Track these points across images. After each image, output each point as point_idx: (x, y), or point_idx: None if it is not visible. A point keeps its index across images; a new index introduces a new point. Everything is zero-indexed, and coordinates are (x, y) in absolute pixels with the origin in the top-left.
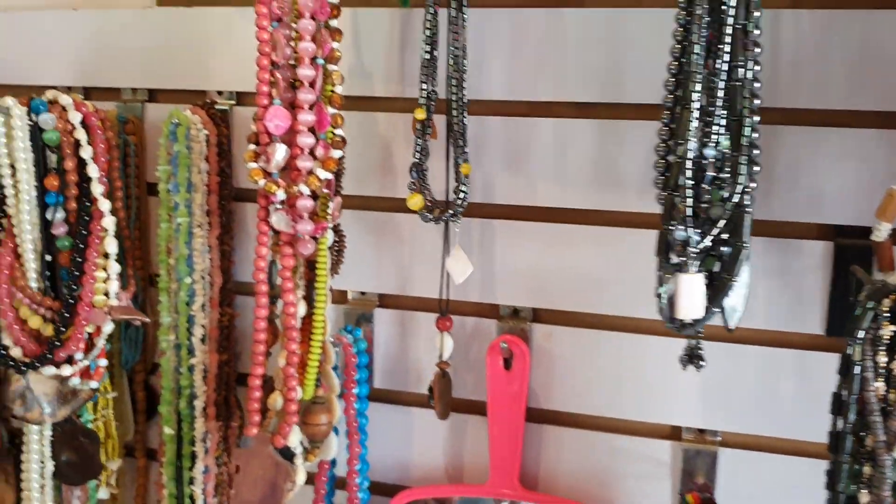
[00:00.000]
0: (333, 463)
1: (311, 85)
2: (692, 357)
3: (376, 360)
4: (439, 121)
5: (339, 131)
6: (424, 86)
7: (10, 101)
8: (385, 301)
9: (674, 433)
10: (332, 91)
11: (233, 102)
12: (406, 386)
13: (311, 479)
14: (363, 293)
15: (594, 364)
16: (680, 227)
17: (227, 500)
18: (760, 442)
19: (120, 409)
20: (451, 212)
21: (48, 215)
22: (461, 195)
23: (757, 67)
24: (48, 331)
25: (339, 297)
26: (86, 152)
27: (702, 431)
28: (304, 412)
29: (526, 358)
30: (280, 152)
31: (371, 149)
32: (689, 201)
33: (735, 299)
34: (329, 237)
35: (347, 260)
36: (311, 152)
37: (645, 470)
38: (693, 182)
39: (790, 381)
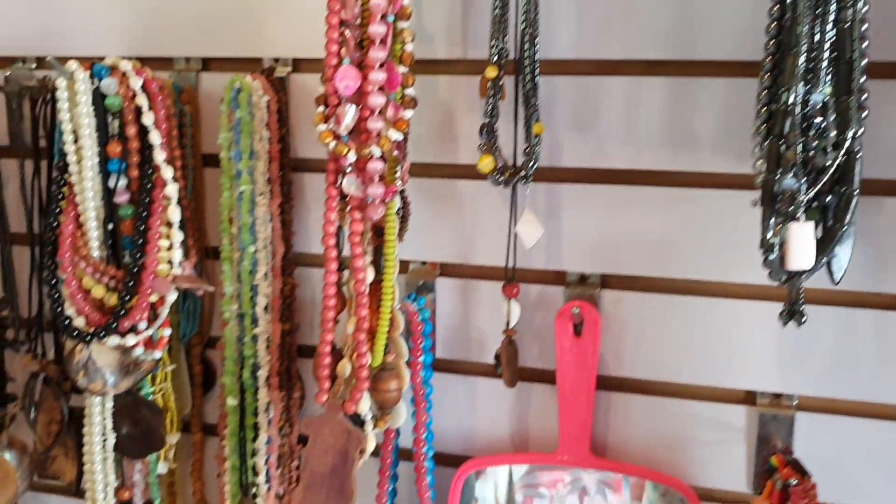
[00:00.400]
0: (397, 433)
1: (382, 42)
2: (793, 313)
3: (438, 329)
4: (506, 82)
5: (409, 91)
6: (495, 42)
7: (73, 64)
8: (446, 270)
9: (748, 398)
10: (403, 49)
11: (289, 69)
12: (469, 355)
13: (375, 450)
14: (424, 262)
15: (665, 329)
16: (788, 175)
17: (288, 472)
18: (839, 406)
19: (178, 382)
20: (523, 173)
21: (110, 183)
22: (533, 156)
23: (865, 8)
24: (112, 300)
25: (401, 266)
26: (147, 119)
27: (777, 396)
28: (373, 379)
29: (597, 324)
30: (350, 114)
31: (431, 114)
32: (799, 148)
33: (844, 251)
34: (396, 202)
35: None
36: (381, 113)
37: (718, 436)
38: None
39: (870, 343)
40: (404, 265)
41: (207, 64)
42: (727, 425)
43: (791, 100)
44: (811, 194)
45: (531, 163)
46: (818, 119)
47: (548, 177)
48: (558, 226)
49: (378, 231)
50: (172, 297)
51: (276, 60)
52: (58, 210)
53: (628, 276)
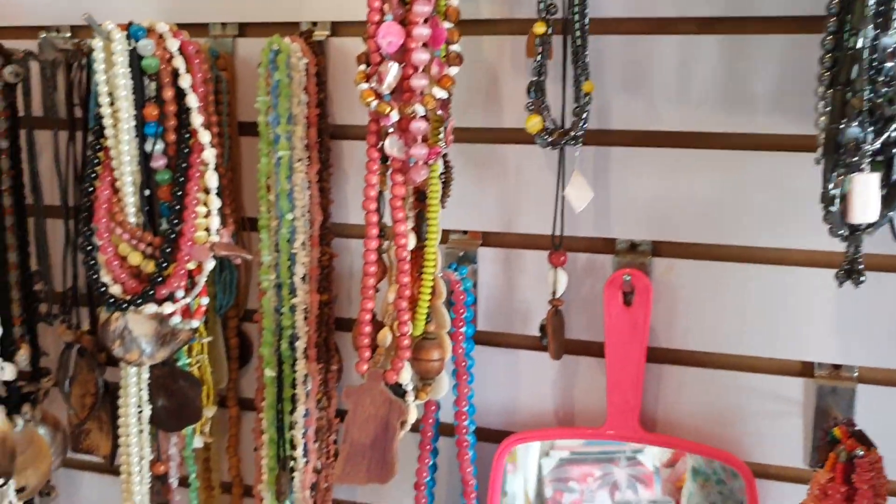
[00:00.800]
0: (438, 407)
1: None
2: (851, 272)
3: (480, 301)
4: (554, 43)
5: (455, 47)
6: None
7: (110, 24)
8: (489, 239)
9: (805, 369)
10: (447, 4)
11: (328, 33)
12: (512, 328)
13: (415, 425)
14: (465, 232)
15: (719, 298)
16: (853, 124)
17: (326, 446)
18: None
19: (214, 355)
20: (572, 133)
21: (146, 147)
22: (583, 115)
23: None
24: (149, 268)
25: (442, 236)
26: (184, 81)
27: (837, 367)
28: (414, 349)
29: (648, 292)
30: (393, 71)
31: (474, 76)
32: (866, 96)
33: None
34: (439, 165)
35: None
36: (425, 70)
37: (774, 409)
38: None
39: None
40: (445, 235)
41: (244, 29)
42: (783, 398)
43: (860, 44)
44: (877, 144)
45: (581, 122)
46: (888, 64)
47: (597, 140)
48: (607, 191)
49: (420, 196)
50: (210, 264)
51: (315, 24)
52: (93, 175)
53: (681, 243)
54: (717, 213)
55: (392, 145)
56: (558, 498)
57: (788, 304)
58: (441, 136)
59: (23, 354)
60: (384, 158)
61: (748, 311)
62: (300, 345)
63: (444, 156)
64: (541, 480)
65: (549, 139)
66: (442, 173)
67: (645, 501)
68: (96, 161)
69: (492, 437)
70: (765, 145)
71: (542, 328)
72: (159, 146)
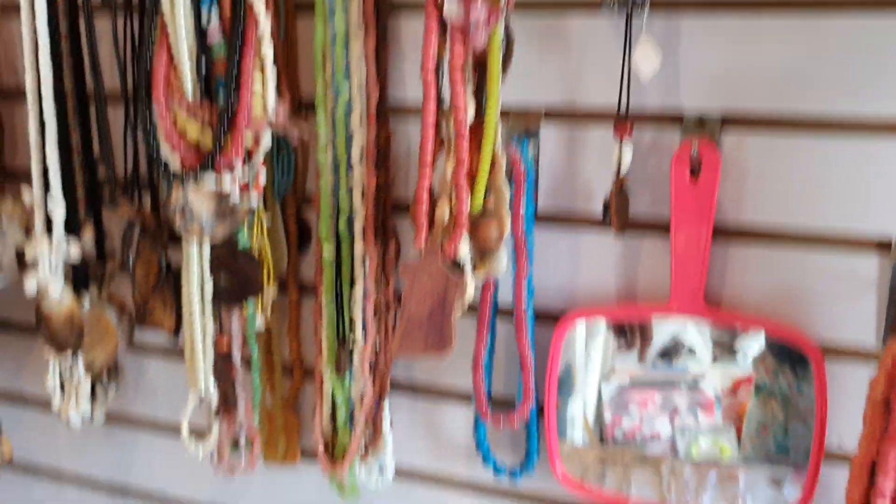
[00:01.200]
0: (496, 288)
1: None
2: None
3: (541, 179)
4: None
5: None
6: None
7: None
8: (551, 115)
9: (881, 247)
10: None
11: None
12: (574, 205)
13: (472, 306)
14: (526, 108)
15: (790, 172)
16: None
17: (384, 326)
18: None
19: (274, 238)
20: None
21: (202, 22)
22: None
23: None
24: (207, 141)
25: (502, 113)
26: None
27: None
28: (473, 224)
29: (717, 165)
30: None
31: None
32: None
33: None
34: (500, 31)
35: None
36: None
37: (845, 289)
38: None
39: None
40: (505, 113)
41: None
42: (856, 277)
43: None
44: None
45: None
46: None
47: (664, 6)
48: (675, 61)
49: (480, 66)
50: (267, 139)
51: None
52: (151, 50)
53: (751, 117)
54: (792, 81)
55: (451, 6)
56: (617, 422)
57: (866, 176)
58: None
59: (87, 235)
60: (443, 28)
61: (820, 184)
62: (357, 225)
63: (506, 27)
64: (600, 404)
65: (615, 3)
66: (504, 41)
67: (705, 427)
68: (153, 37)
69: (551, 318)
70: (845, 4)
71: (606, 205)
72: (215, 20)
